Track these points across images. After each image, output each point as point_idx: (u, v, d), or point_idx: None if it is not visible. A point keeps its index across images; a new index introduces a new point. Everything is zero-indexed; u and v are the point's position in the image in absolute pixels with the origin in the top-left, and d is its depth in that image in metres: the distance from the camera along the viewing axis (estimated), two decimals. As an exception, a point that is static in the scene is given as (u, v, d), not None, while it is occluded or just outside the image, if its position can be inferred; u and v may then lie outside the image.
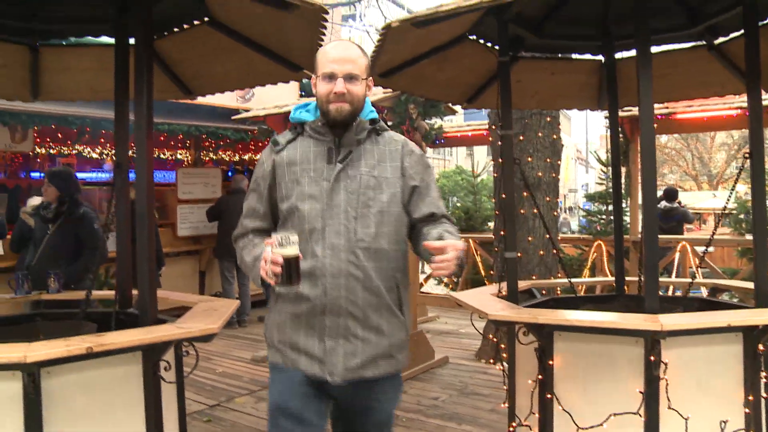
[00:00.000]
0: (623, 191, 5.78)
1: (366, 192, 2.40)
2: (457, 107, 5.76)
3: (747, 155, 3.71)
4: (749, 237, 7.55)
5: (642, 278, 4.01)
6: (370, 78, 2.52)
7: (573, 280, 4.67)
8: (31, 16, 4.32)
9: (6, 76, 4.79)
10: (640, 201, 9.30)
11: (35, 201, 6.95)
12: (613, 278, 4.75)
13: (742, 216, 9.42)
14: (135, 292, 4.17)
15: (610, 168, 10.46)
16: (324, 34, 3.23)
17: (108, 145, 9.82)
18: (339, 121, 2.41)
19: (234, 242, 2.67)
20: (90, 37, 4.73)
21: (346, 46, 2.47)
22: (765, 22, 3.89)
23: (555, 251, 6.72)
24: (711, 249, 4.78)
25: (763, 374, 3.30)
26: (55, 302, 4.66)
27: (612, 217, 9.98)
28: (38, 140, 9.15)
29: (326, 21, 3.07)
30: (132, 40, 4.23)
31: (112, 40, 4.48)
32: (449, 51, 4.07)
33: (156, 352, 3.16)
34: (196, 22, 4.15)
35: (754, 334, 3.22)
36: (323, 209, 2.38)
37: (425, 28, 3.05)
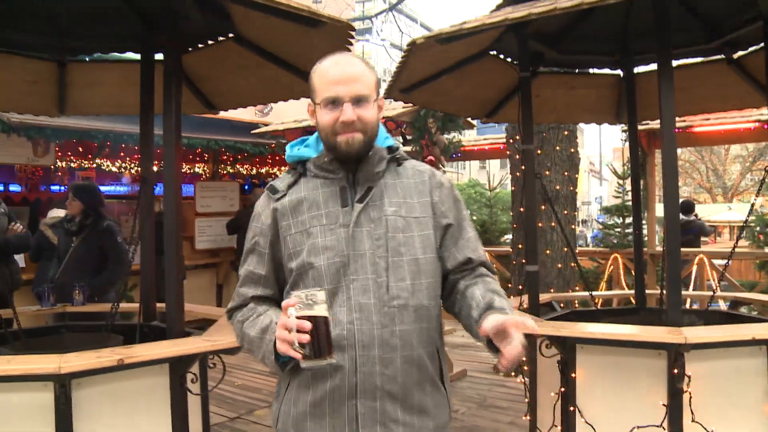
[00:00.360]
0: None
1: (395, 236, 1.87)
2: (475, 121, 5.81)
3: (767, 169, 3.73)
4: (768, 250, 7.54)
5: (663, 291, 4.02)
6: (380, 97, 1.96)
7: (594, 293, 4.69)
8: (61, 34, 4.42)
9: (34, 92, 4.88)
10: (657, 214, 9.32)
11: (56, 213, 7.06)
12: (632, 291, 4.76)
13: (758, 228, 9.39)
14: (159, 305, 4.25)
15: (626, 181, 10.53)
16: (350, 50, 3.29)
17: (128, 158, 9.93)
18: (351, 155, 1.87)
19: (228, 317, 2.06)
20: (115, 53, 4.84)
21: (349, 60, 1.92)
22: (785, 36, 3.92)
23: (573, 264, 6.75)
24: (729, 262, 4.78)
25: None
26: (80, 314, 4.73)
27: (628, 230, 10.05)
28: (59, 154, 9.29)
29: (353, 37, 3.13)
30: (158, 56, 4.35)
31: (137, 56, 4.60)
32: (469, 66, 4.13)
33: (183, 364, 3.21)
34: (221, 39, 4.24)
35: (774, 347, 3.23)
36: (344, 262, 1.84)
37: (448, 44, 3.10)
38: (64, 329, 4.39)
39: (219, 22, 3.94)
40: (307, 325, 1.59)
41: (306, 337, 1.59)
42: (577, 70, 4.92)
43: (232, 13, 3.74)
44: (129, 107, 4.94)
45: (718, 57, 4.57)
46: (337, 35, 3.11)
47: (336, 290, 1.82)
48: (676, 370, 3.09)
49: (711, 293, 4.56)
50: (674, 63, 4.36)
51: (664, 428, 3.16)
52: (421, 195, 1.95)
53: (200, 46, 4.36)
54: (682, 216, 11.07)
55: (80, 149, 9.30)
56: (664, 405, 3.16)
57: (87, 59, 5.09)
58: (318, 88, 1.88)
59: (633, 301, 5.39)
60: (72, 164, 9.66)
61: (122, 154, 9.75)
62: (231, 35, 4.16)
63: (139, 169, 10.59)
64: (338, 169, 1.89)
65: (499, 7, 3.61)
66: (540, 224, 6.77)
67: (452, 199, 2.01)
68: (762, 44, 3.92)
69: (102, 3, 4.12)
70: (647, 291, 4.74)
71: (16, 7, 4.08)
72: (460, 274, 1.97)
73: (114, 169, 10.21)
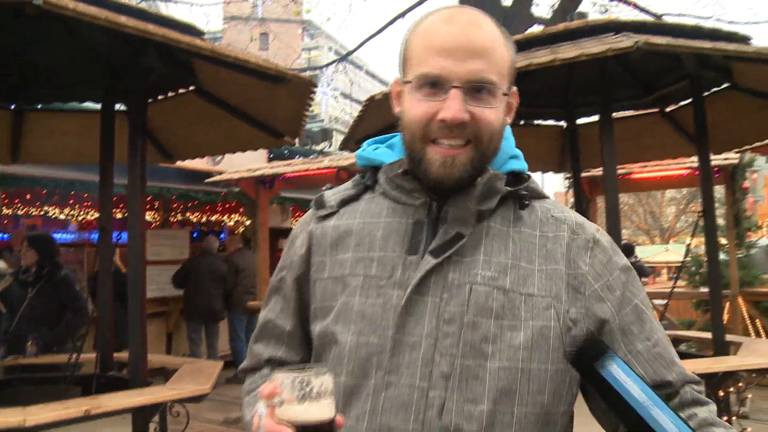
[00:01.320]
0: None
1: (479, 322, 1.08)
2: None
3: (700, 213, 4.01)
4: (704, 289, 7.92)
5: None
6: (514, 90, 1.19)
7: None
8: (20, 82, 4.46)
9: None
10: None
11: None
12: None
13: (693, 268, 9.82)
14: (116, 354, 4.23)
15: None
16: (310, 106, 3.45)
17: (77, 206, 9.80)
18: (446, 185, 1.12)
19: (242, 375, 1.41)
20: (74, 103, 4.90)
21: (472, 19, 1.13)
22: (709, 92, 4.27)
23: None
24: (668, 302, 5.05)
25: (725, 419, 3.51)
26: (34, 366, 4.66)
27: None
28: (6, 201, 9.12)
29: (314, 93, 3.29)
30: (118, 106, 4.43)
31: (95, 106, 4.66)
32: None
33: (147, 414, 3.22)
34: (182, 90, 4.35)
35: (714, 381, 3.44)
36: (382, 347, 1.11)
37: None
38: (17, 382, 4.33)
39: (182, 74, 4.05)
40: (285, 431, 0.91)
41: None
42: (522, 122, 5.19)
43: (196, 67, 3.86)
44: (87, 156, 4.98)
45: (653, 110, 4.92)
46: (300, 90, 3.27)
47: (357, 390, 1.11)
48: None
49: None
50: (614, 116, 4.69)
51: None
52: (551, 259, 1.13)
53: (160, 97, 4.47)
54: (623, 258, 11.51)
55: (28, 196, 9.16)
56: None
57: (44, 107, 5.13)
58: (413, 55, 1.13)
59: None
60: (18, 212, 9.49)
61: (71, 201, 9.63)
62: (192, 87, 4.28)
63: (86, 216, 10.41)
64: (418, 189, 1.16)
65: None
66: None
67: (618, 271, 1.15)
68: (690, 100, 4.25)
69: (66, 53, 4.19)
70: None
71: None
72: None
73: (62, 216, 10.06)
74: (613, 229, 3.59)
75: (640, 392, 0.97)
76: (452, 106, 1.07)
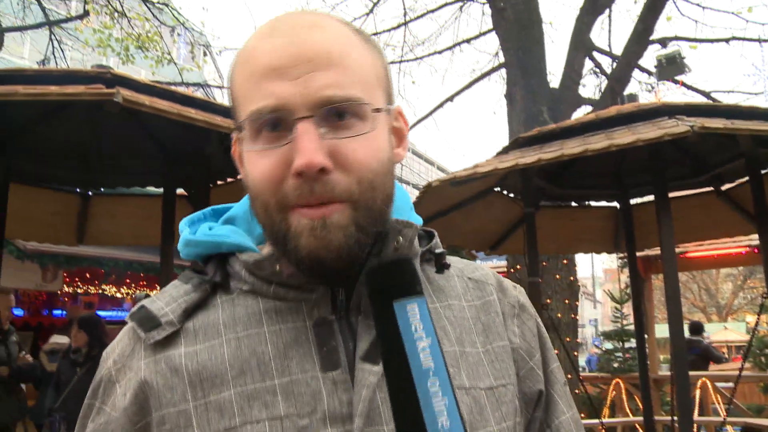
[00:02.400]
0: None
1: None
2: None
3: (764, 295, 3.91)
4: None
5: (673, 418, 4.08)
6: (397, 108, 0.88)
7: (604, 421, 4.73)
8: (89, 169, 4.69)
9: (57, 222, 5.11)
10: (656, 336, 9.41)
11: (58, 339, 7.09)
12: (638, 418, 4.80)
13: (758, 351, 9.45)
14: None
15: (623, 305, 10.66)
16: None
17: (133, 285, 10.05)
18: (327, 267, 0.77)
19: None
20: (137, 187, 5.11)
21: (301, 21, 0.80)
22: (767, 170, 4.23)
23: (578, 390, 6.77)
24: (735, 387, 4.85)
25: None
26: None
27: (628, 355, 10.06)
28: (67, 279, 9.42)
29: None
30: (179, 190, 4.61)
31: (157, 190, 4.86)
32: (476, 202, 4.39)
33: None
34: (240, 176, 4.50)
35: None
36: None
37: (460, 186, 3.36)
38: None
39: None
40: None
41: None
42: (573, 204, 5.21)
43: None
44: (147, 238, 5.16)
45: (708, 189, 4.88)
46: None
47: None
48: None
49: (721, 419, 4.61)
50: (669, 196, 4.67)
51: None
52: (492, 333, 0.89)
53: (219, 183, 4.63)
54: (688, 335, 11.11)
55: (87, 275, 9.45)
56: None
57: (108, 191, 5.37)
58: (239, 92, 0.81)
59: (638, 428, 5.41)
60: (78, 290, 9.78)
61: (128, 280, 9.89)
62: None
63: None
64: (310, 281, 0.81)
65: (505, 150, 3.91)
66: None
67: (539, 339, 0.95)
68: (746, 178, 4.21)
69: (131, 141, 4.41)
70: (657, 417, 4.77)
71: (51, 145, 4.36)
72: None
73: (118, 295, 10.32)
74: (674, 310, 3.51)
75: (429, 356, 0.64)
76: (304, 148, 0.73)
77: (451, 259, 0.93)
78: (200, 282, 0.84)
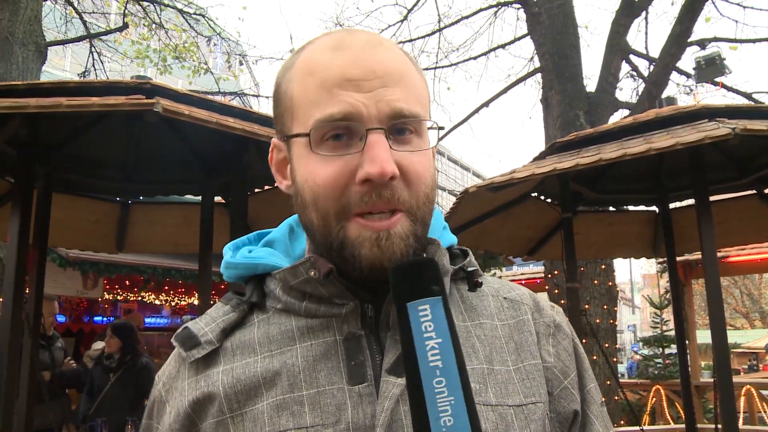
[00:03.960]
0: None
1: None
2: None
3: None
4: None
5: (717, 426, 3.99)
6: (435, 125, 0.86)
7: (644, 428, 4.65)
8: (128, 178, 4.78)
9: (97, 230, 5.21)
10: (697, 342, 9.23)
11: (100, 345, 7.25)
12: (680, 425, 4.71)
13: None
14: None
15: (663, 311, 10.49)
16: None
17: (171, 292, 10.21)
18: (382, 273, 0.78)
19: None
20: (175, 195, 5.19)
21: (367, 38, 0.85)
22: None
23: (617, 397, 6.67)
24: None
25: None
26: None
27: (668, 361, 9.89)
28: (107, 287, 9.60)
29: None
30: (217, 198, 4.67)
31: (195, 198, 4.92)
32: (513, 208, 4.37)
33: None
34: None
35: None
36: None
37: (498, 192, 3.34)
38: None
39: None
40: None
41: None
42: (611, 208, 5.15)
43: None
44: (185, 246, 5.24)
45: (750, 192, 4.77)
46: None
47: None
48: None
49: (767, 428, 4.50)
50: (710, 199, 4.58)
51: None
52: (524, 353, 0.89)
53: (257, 191, 4.68)
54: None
55: (127, 282, 9.62)
56: None
57: (148, 201, 5.47)
58: (301, 100, 0.84)
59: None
60: (118, 297, 9.96)
61: (167, 288, 10.05)
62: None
63: (179, 302, 10.79)
64: (343, 294, 0.84)
65: (542, 155, 3.88)
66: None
67: (576, 359, 0.94)
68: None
69: (170, 152, 4.48)
70: (700, 425, 4.68)
71: (92, 155, 4.46)
72: None
73: (157, 302, 10.48)
74: (717, 316, 3.44)
75: (438, 356, 0.65)
76: (378, 157, 0.76)
77: (487, 279, 0.95)
78: (238, 303, 0.90)
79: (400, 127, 0.80)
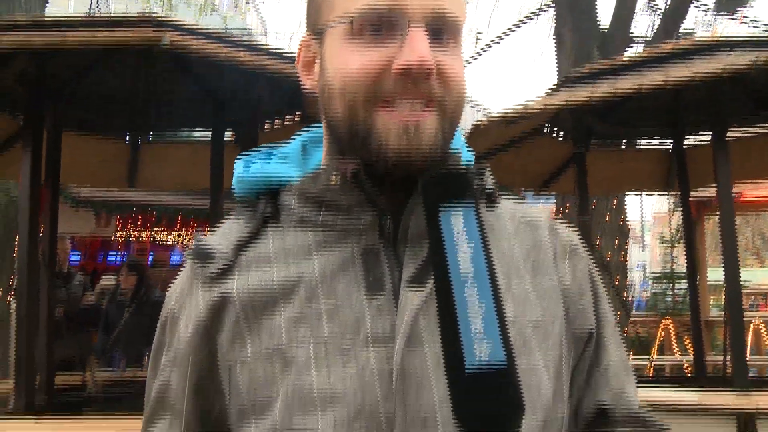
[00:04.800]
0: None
1: None
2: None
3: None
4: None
5: (725, 357, 4.04)
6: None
7: (654, 360, 4.71)
8: (136, 115, 4.75)
9: (108, 168, 5.23)
10: (708, 280, 9.26)
11: (106, 280, 7.41)
12: (685, 358, 4.78)
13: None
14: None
15: (674, 248, 10.48)
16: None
17: (183, 230, 10.28)
18: (412, 165, 0.77)
19: None
20: (186, 128, 5.18)
21: None
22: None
23: (626, 331, 6.76)
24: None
25: None
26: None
27: (678, 297, 9.95)
28: (120, 225, 9.69)
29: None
30: (227, 136, 4.65)
31: (205, 136, 4.91)
32: (525, 142, 4.32)
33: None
34: (287, 120, 4.52)
35: None
36: (380, 429, 0.75)
37: (511, 125, 3.30)
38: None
39: (289, 105, 4.21)
40: None
41: None
42: (625, 141, 5.09)
43: (303, 96, 4.01)
44: (196, 184, 5.25)
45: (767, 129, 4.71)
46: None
47: None
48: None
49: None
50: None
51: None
52: (541, 272, 0.87)
53: (267, 125, 4.65)
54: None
55: (139, 221, 9.70)
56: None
57: (158, 139, 5.46)
58: None
59: (686, 369, 5.38)
60: (130, 235, 10.06)
61: (178, 225, 10.13)
62: (299, 114, 4.43)
63: (191, 241, 11.01)
64: (360, 203, 0.81)
65: (555, 88, 3.81)
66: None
67: (591, 280, 0.93)
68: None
69: (179, 87, 4.44)
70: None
71: (101, 92, 4.43)
72: None
73: (169, 240, 10.57)
74: (730, 253, 3.45)
75: (469, 261, 0.64)
76: (418, 49, 0.74)
77: (504, 201, 0.92)
78: (251, 217, 0.86)
79: (441, 27, 0.77)
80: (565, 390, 0.84)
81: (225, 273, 0.83)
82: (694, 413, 3.28)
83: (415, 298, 0.76)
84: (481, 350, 0.61)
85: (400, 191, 0.79)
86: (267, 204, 0.86)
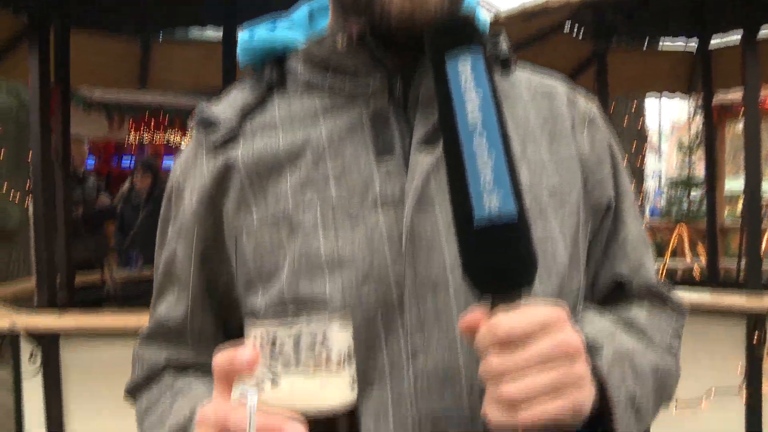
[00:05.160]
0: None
1: None
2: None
3: None
4: None
5: (740, 261, 4.04)
6: None
7: (668, 263, 4.74)
8: (146, 12, 4.62)
9: (119, 68, 5.14)
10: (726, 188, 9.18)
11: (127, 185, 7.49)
12: (697, 263, 4.79)
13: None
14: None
15: (694, 154, 10.35)
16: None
17: (196, 133, 10.26)
18: (416, 21, 0.71)
19: (131, 397, 0.90)
20: (197, 26, 5.04)
21: None
22: None
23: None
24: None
25: None
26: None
27: (693, 204, 9.91)
28: (133, 128, 9.67)
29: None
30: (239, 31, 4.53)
31: (217, 34, 4.78)
32: (544, 40, 4.18)
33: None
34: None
35: None
36: (387, 303, 0.72)
37: (530, 20, 3.18)
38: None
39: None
40: (294, 430, 0.51)
41: None
42: (648, 41, 4.92)
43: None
44: (208, 85, 5.16)
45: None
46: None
47: (367, 375, 0.72)
48: (756, 338, 3.13)
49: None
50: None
51: (741, 394, 3.22)
52: (557, 141, 0.83)
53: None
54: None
55: (152, 123, 9.67)
56: (742, 372, 3.22)
57: (169, 38, 5.33)
58: None
59: (697, 273, 5.43)
60: (143, 138, 10.06)
61: (190, 128, 10.11)
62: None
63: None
64: (368, 66, 0.78)
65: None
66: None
67: (611, 152, 0.89)
68: None
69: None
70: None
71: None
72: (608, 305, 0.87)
73: (182, 144, 10.57)
74: (753, 160, 3.38)
75: (477, 110, 0.61)
76: None
77: (522, 69, 0.88)
78: (257, 84, 0.83)
79: None
80: (581, 260, 0.81)
81: (230, 141, 0.80)
82: (704, 314, 3.30)
83: (426, 160, 0.74)
84: (490, 202, 0.59)
85: (410, 53, 0.75)
86: (272, 70, 0.83)
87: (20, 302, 3.72)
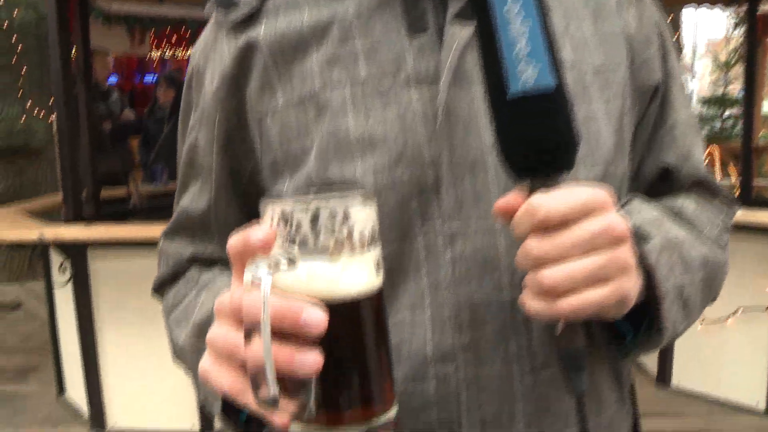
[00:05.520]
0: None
1: None
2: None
3: None
4: None
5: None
6: None
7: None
8: None
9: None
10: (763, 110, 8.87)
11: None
12: (728, 181, 4.67)
13: None
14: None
15: (730, 72, 9.97)
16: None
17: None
18: None
19: (158, 296, 0.88)
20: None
21: None
22: None
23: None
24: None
25: None
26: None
27: (726, 123, 9.62)
28: (154, 44, 9.53)
29: None
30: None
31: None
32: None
33: None
34: None
35: None
36: (422, 185, 0.68)
37: None
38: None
39: None
40: (313, 315, 0.45)
41: (310, 362, 0.45)
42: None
43: None
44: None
45: None
46: None
47: (397, 262, 0.68)
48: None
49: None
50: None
51: (769, 312, 3.19)
52: (601, 16, 0.76)
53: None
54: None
55: (174, 38, 9.53)
56: (771, 290, 3.18)
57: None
58: None
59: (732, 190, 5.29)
60: (165, 53, 9.93)
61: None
62: None
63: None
64: None
65: None
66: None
67: (660, 30, 0.81)
68: None
69: None
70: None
71: None
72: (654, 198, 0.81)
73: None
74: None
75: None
76: None
77: None
78: None
79: None
80: (626, 145, 0.75)
81: (251, 19, 0.74)
82: (734, 231, 3.24)
83: (462, 33, 0.67)
84: (526, 72, 0.54)
85: None
86: None
87: (48, 216, 3.76)
